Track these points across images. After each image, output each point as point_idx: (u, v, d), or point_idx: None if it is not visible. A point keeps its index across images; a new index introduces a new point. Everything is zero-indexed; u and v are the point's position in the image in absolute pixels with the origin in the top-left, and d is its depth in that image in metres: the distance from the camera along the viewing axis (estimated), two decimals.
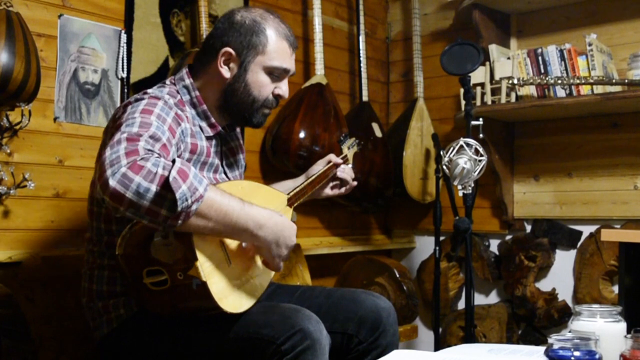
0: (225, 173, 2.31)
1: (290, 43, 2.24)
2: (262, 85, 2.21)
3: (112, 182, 1.66)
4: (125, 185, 1.66)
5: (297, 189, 2.40)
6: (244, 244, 1.99)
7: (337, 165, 2.62)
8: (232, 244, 1.96)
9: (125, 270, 1.86)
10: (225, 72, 2.19)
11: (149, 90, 2.12)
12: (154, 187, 1.67)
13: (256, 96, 2.21)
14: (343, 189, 2.68)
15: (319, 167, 2.60)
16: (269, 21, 2.21)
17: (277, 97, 2.26)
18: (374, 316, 2.26)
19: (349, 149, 2.79)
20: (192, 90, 2.21)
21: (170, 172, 1.67)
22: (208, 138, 2.21)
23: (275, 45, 2.20)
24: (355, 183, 2.70)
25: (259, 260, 2.07)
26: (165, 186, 1.67)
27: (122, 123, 1.89)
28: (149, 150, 1.76)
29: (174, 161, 1.72)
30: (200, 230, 1.78)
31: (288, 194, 2.33)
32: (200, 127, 2.20)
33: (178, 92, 2.20)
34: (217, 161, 2.25)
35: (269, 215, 1.93)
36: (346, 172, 2.65)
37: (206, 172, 2.19)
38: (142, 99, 2.03)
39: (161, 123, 1.93)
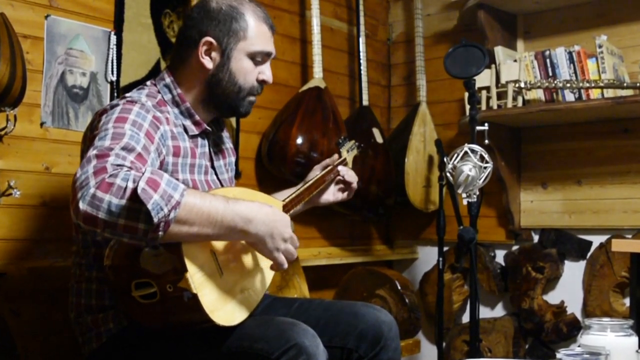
0: (215, 175, 2.31)
1: (269, 26, 2.26)
2: (246, 72, 2.22)
3: (82, 206, 1.67)
4: (96, 206, 1.66)
5: (293, 195, 2.41)
6: (236, 252, 1.99)
7: (336, 169, 2.63)
8: (223, 254, 1.95)
9: (113, 283, 1.87)
10: (208, 63, 2.20)
11: (127, 95, 2.13)
12: (124, 203, 1.67)
13: (242, 84, 2.23)
14: (345, 194, 2.69)
15: (316, 173, 2.61)
16: (245, 5, 2.23)
17: (262, 82, 2.28)
18: (375, 330, 2.26)
19: (348, 152, 2.80)
20: (173, 89, 2.21)
21: (138, 183, 1.67)
22: (193, 137, 2.22)
23: (256, 30, 2.22)
24: (355, 186, 2.71)
25: (252, 271, 2.06)
26: (137, 199, 1.66)
27: (95, 135, 1.90)
28: (118, 165, 1.75)
29: (145, 171, 1.71)
30: (186, 238, 1.77)
31: (283, 200, 2.34)
32: (184, 127, 2.20)
33: (159, 92, 2.20)
34: (205, 162, 2.25)
35: (257, 208, 1.91)
36: (349, 174, 2.67)
37: (196, 175, 2.20)
38: (117, 105, 2.03)
39: (136, 130, 1.93)
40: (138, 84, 2.93)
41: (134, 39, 2.97)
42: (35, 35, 2.66)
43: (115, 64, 2.88)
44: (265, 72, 2.26)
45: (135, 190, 1.66)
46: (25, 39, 2.61)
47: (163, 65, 3.07)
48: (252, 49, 2.21)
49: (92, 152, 1.79)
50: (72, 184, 1.74)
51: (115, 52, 2.89)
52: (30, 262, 2.61)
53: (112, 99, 2.87)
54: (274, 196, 2.43)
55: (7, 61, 2.33)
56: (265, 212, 1.93)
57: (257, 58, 2.23)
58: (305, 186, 2.50)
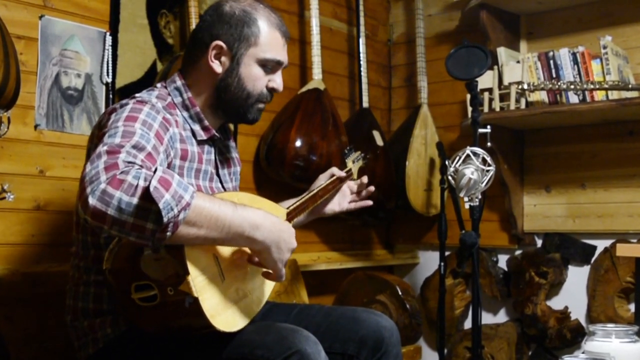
0: (220, 183, 2.31)
1: (282, 33, 2.26)
2: (256, 79, 2.22)
3: (92, 201, 1.66)
4: (106, 202, 1.66)
5: (297, 203, 2.41)
6: (239, 257, 2.00)
7: (340, 180, 2.63)
8: (226, 258, 1.96)
9: (113, 286, 1.87)
10: (217, 67, 2.20)
11: (137, 95, 2.13)
12: (135, 201, 1.66)
13: (250, 90, 2.23)
14: (352, 205, 2.70)
15: (320, 182, 2.61)
16: (259, 11, 2.23)
17: (272, 90, 2.27)
18: (376, 336, 2.26)
19: (354, 163, 2.80)
20: (184, 92, 2.22)
21: (150, 182, 1.67)
22: (200, 143, 2.22)
23: (268, 36, 2.21)
24: (370, 202, 2.74)
25: (254, 276, 2.07)
26: (148, 198, 1.66)
27: (105, 133, 1.90)
28: (130, 162, 1.76)
29: (156, 170, 1.72)
30: (192, 240, 1.78)
31: (287, 207, 2.34)
32: (193, 131, 2.20)
33: (169, 95, 2.21)
34: (210, 169, 2.26)
35: (264, 216, 1.91)
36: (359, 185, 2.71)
37: (202, 181, 2.20)
38: (127, 104, 2.04)
39: (146, 130, 1.93)
40: (134, 85, 2.95)
41: (130, 39, 2.98)
42: (29, 35, 2.66)
43: (110, 65, 2.89)
44: (276, 80, 2.26)
45: (147, 188, 1.66)
46: (19, 39, 2.62)
47: (159, 66, 3.07)
48: (262, 55, 2.21)
49: (102, 149, 1.79)
50: (80, 178, 1.73)
51: (110, 53, 2.89)
52: (24, 267, 2.61)
53: (107, 100, 2.87)
54: (280, 204, 2.44)
55: (1, 62, 2.33)
56: (272, 220, 1.93)
57: (267, 66, 2.23)
58: (309, 195, 2.50)
